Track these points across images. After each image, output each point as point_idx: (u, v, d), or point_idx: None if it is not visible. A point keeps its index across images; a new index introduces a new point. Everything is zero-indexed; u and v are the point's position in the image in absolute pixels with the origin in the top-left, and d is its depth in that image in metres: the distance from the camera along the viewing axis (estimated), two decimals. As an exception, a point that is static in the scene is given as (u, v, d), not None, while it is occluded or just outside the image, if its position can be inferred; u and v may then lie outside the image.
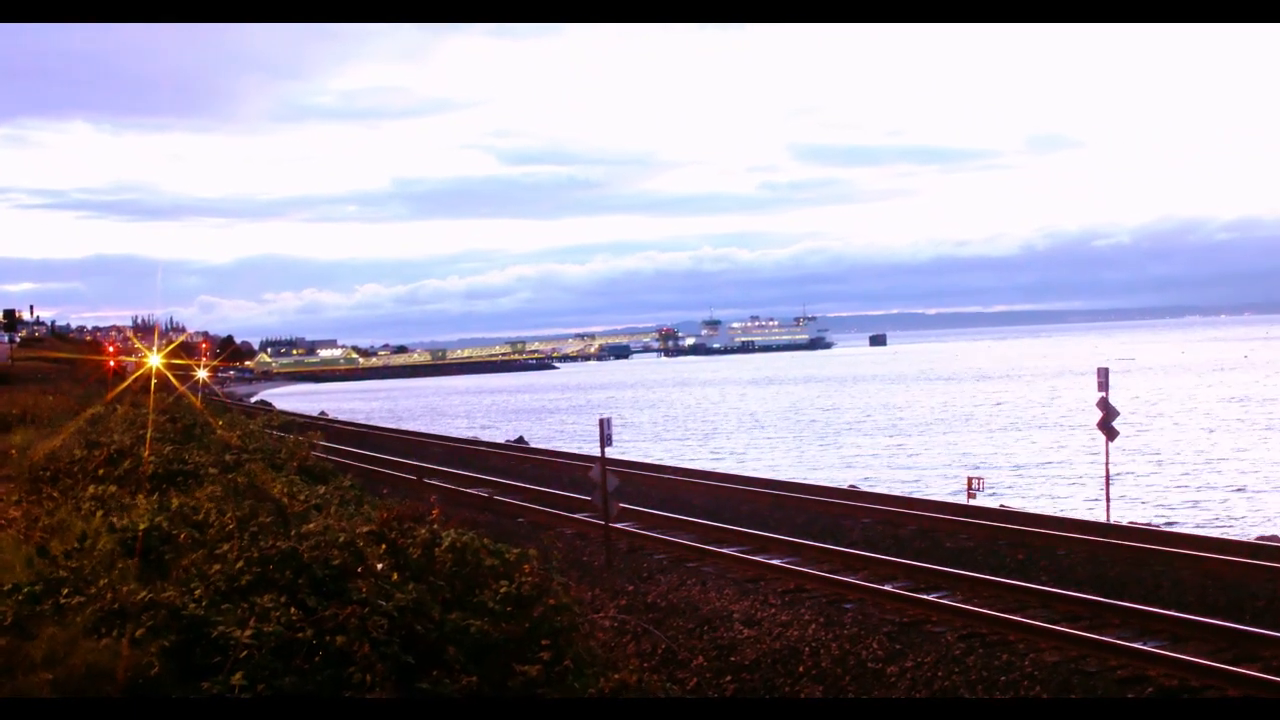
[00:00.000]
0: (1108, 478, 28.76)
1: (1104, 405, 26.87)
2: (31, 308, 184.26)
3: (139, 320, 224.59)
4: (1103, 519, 26.11)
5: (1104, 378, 27.07)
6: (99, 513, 12.04)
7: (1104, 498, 28.76)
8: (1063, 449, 53.51)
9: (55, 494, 16.22)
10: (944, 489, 39.18)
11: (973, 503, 29.09)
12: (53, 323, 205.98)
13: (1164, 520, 31.70)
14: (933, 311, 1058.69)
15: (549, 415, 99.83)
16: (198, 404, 25.61)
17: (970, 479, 32.18)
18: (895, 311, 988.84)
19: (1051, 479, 43.49)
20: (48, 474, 17.70)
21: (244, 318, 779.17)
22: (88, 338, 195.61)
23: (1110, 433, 27.15)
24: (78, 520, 12.27)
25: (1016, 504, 32.47)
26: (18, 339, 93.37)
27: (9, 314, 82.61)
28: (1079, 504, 35.89)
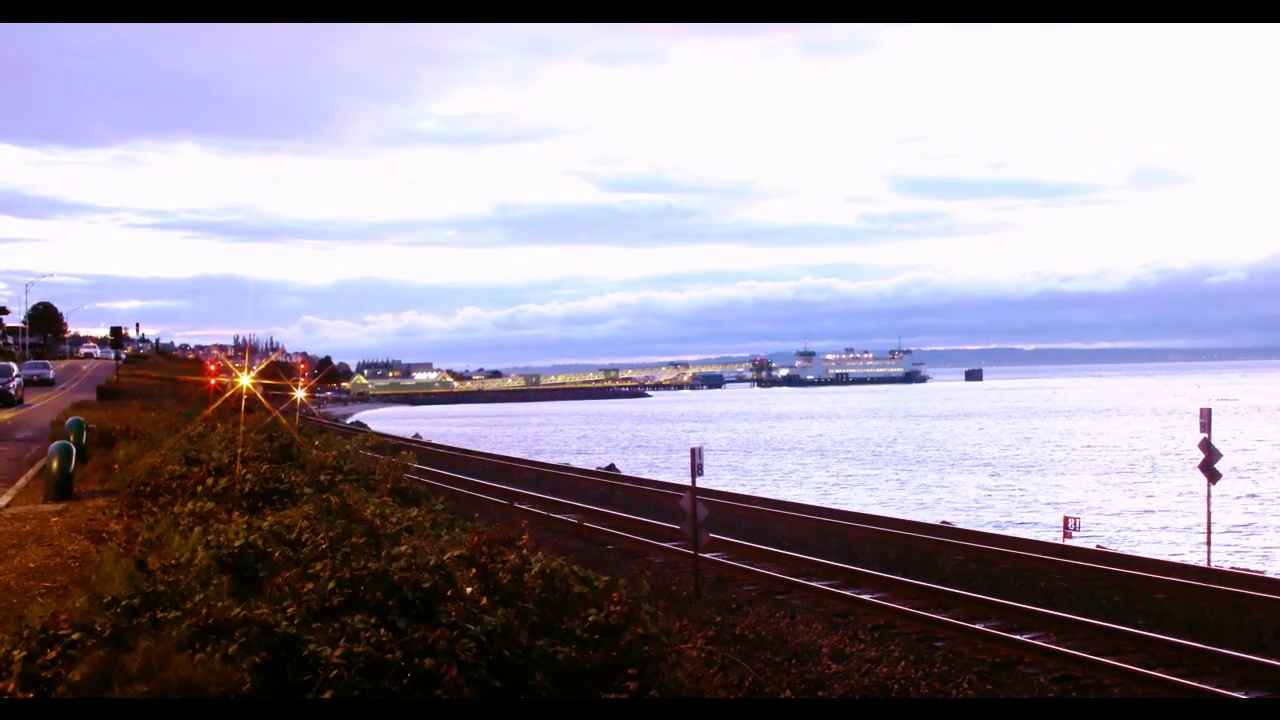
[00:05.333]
0: (1209, 521, 28.13)
1: (1206, 447, 26.32)
2: (138, 325, 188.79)
3: (240, 339, 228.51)
4: (1203, 563, 25.55)
5: (1206, 419, 26.50)
6: (196, 529, 12.21)
7: (1204, 541, 28.14)
8: (1162, 491, 52.43)
9: (155, 509, 16.50)
10: (1039, 528, 38.56)
11: (1069, 543, 28.61)
12: (157, 340, 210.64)
13: (1267, 567, 30.90)
14: (1030, 347, 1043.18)
15: (640, 444, 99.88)
16: (287, 424, 25.87)
17: (1066, 518, 31.64)
18: (993, 346, 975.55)
19: (1150, 521, 42.62)
20: (148, 489, 18.01)
21: (344, 339, 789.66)
22: (190, 355, 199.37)
23: (1212, 475, 26.57)
24: (176, 535, 12.46)
25: (1113, 545, 31.86)
26: (124, 355, 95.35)
27: (116, 331, 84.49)
28: (1178, 547, 35.11)
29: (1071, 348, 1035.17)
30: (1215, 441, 26.70)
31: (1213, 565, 25.10)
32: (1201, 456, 26.61)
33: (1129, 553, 28.27)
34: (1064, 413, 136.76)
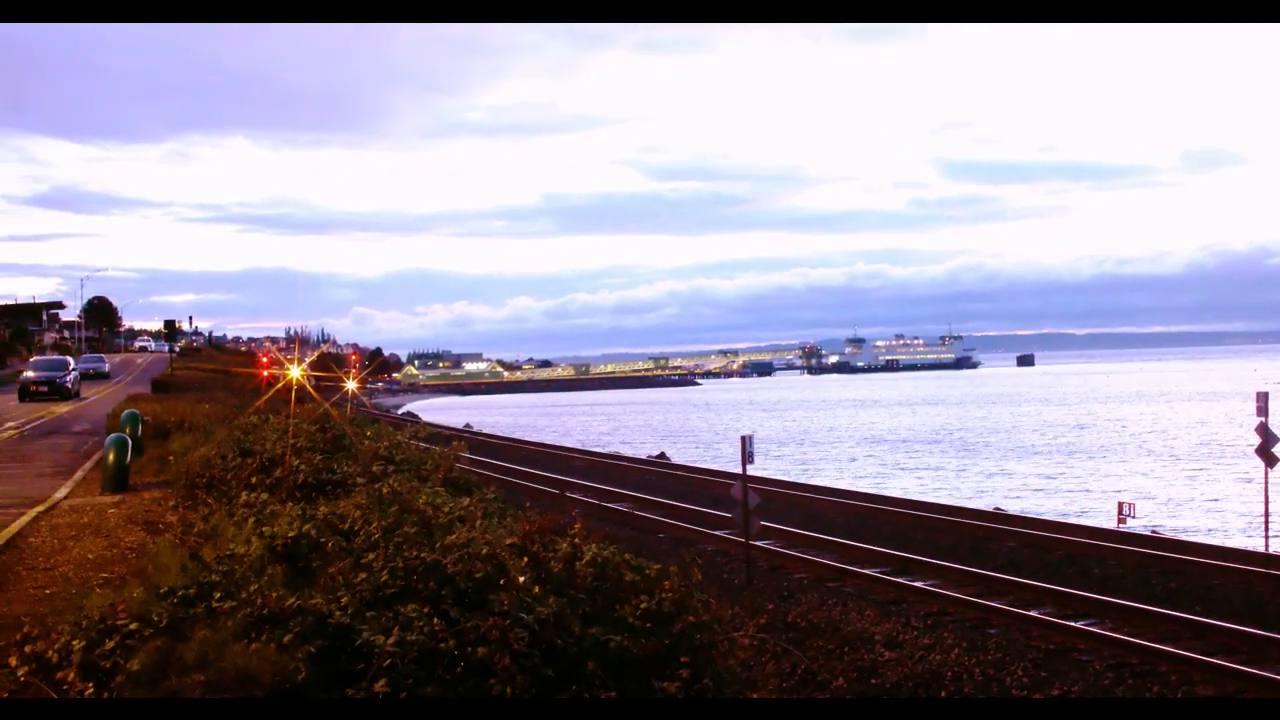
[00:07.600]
0: (1266, 506, 27.77)
1: (1263, 430, 25.98)
2: (191, 318, 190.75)
3: (292, 331, 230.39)
4: (1261, 549, 25.25)
5: (1263, 402, 26.16)
6: (250, 520, 12.31)
7: (1262, 527, 27.79)
8: (1219, 476, 51.85)
9: (209, 500, 16.68)
10: (1094, 514, 38.23)
11: (1123, 528, 28.36)
12: (210, 333, 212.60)
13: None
14: (1083, 332, 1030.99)
15: (691, 432, 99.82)
16: (338, 415, 26.01)
17: (1121, 504, 31.35)
18: (1045, 331, 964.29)
19: (1207, 506, 42.15)
20: (203, 481, 18.19)
21: (396, 329, 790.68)
22: (242, 348, 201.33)
23: (1269, 459, 26.23)
24: (230, 526, 12.57)
25: (1169, 531, 31.54)
26: (178, 348, 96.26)
27: (170, 324, 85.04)
28: (1235, 533, 34.71)
29: (1126, 332, 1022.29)
30: (1273, 425, 26.35)
31: (1271, 551, 24.79)
32: (1259, 440, 26.27)
33: (1184, 538, 27.99)
34: (1118, 398, 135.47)
